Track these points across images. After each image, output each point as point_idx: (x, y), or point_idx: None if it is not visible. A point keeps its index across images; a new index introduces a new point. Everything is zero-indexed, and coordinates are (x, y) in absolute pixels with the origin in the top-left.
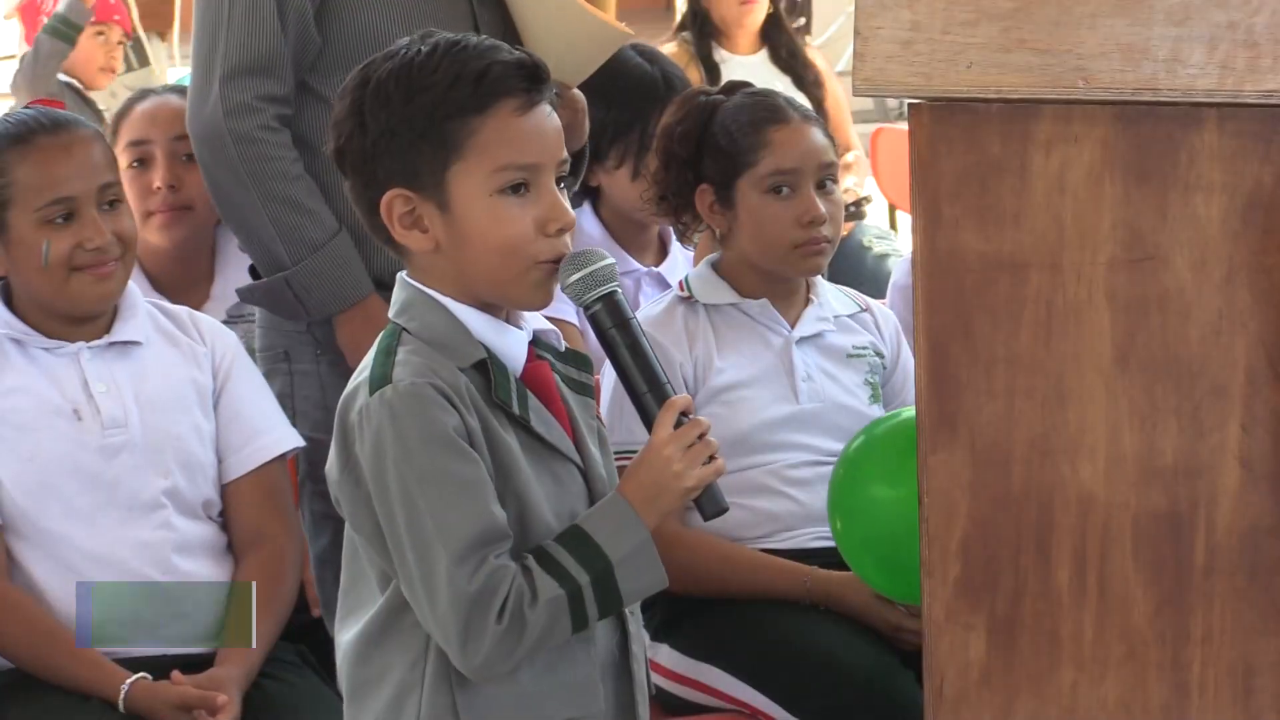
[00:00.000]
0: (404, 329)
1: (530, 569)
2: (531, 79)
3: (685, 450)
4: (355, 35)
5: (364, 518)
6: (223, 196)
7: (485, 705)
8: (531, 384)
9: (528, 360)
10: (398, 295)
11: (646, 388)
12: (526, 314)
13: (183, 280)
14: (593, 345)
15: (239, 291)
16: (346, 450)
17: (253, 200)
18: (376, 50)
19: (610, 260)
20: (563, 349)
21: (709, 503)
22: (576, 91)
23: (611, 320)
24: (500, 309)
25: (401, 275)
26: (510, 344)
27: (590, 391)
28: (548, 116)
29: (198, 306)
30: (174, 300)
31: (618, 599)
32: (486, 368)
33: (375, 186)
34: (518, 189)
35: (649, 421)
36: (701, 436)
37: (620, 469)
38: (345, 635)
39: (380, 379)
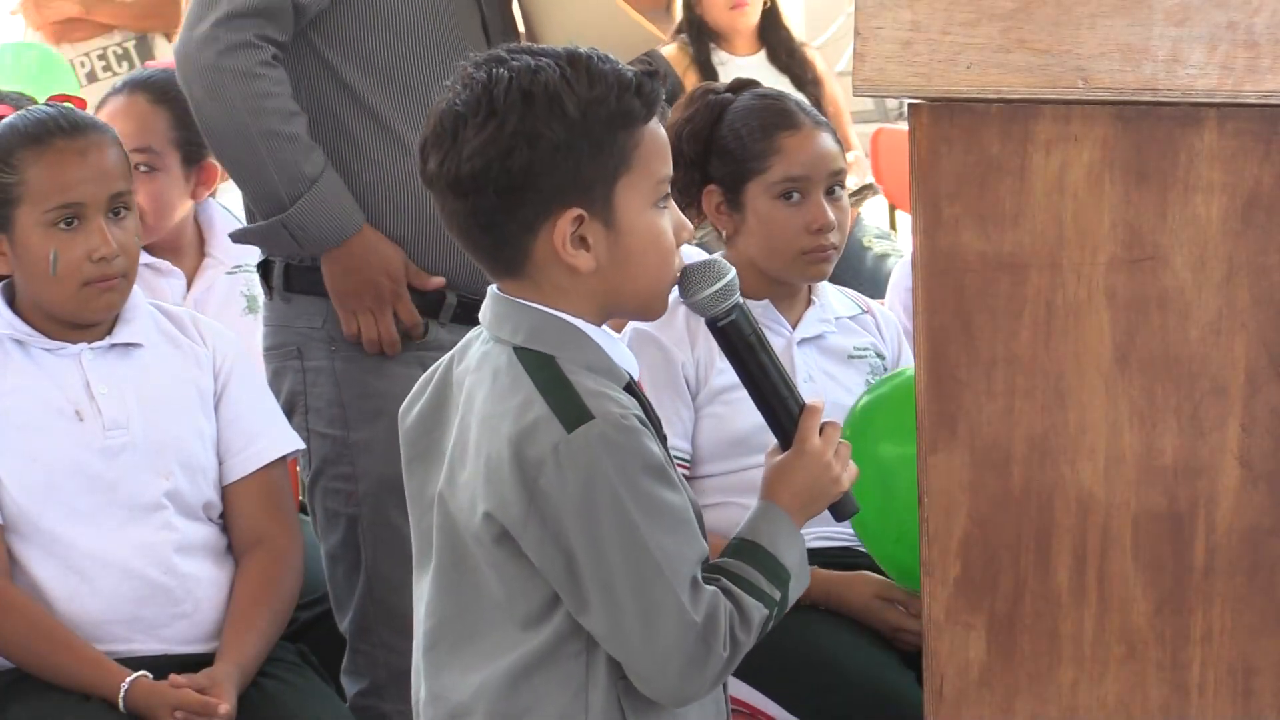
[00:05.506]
0: (554, 356)
1: (731, 591)
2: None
3: (837, 454)
4: (366, 7)
5: (551, 554)
6: (218, 136)
7: None
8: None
9: None
10: (519, 320)
11: (787, 392)
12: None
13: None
14: None
15: (232, 235)
16: (528, 487)
17: (250, 137)
18: (384, 27)
19: (734, 271)
20: None
21: (848, 504)
22: None
23: (749, 328)
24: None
25: (513, 298)
26: (629, 361)
27: None
28: None
29: (195, 271)
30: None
31: (785, 610)
32: (633, 389)
33: (536, 205)
34: (664, 200)
35: (782, 429)
36: None
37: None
38: (476, 672)
39: (574, 413)
